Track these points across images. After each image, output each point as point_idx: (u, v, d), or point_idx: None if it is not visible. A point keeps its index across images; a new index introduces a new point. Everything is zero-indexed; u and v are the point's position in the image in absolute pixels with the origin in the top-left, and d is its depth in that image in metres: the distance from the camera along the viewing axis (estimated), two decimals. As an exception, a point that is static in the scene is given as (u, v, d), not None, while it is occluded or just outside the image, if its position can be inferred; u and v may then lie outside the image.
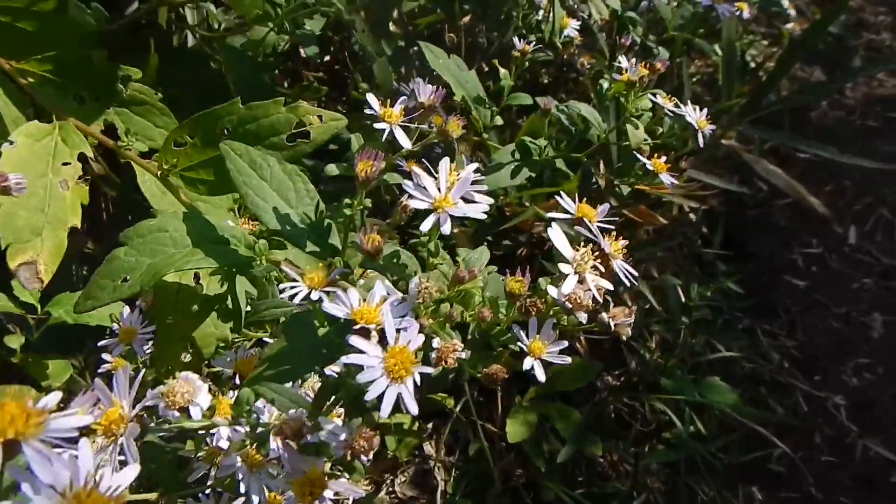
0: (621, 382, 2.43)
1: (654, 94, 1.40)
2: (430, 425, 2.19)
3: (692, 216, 2.65)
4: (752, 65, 3.28)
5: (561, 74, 2.52)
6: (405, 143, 0.91)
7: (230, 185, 1.16)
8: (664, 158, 1.38)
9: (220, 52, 1.73)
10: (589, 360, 2.27)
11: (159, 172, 1.16)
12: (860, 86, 3.52)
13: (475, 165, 0.87)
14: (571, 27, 2.06)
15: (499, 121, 1.49)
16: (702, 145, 1.39)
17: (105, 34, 1.54)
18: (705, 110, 1.39)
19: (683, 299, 2.50)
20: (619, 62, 1.44)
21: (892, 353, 2.76)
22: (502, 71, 1.47)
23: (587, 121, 1.38)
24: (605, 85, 1.42)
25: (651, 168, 1.35)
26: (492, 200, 0.85)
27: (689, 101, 1.38)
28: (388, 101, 0.94)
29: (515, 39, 1.49)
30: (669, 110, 1.39)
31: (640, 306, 2.39)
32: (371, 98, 0.94)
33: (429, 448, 2.16)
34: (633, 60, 1.38)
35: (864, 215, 3.10)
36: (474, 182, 0.85)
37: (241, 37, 1.75)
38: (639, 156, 1.35)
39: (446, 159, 0.87)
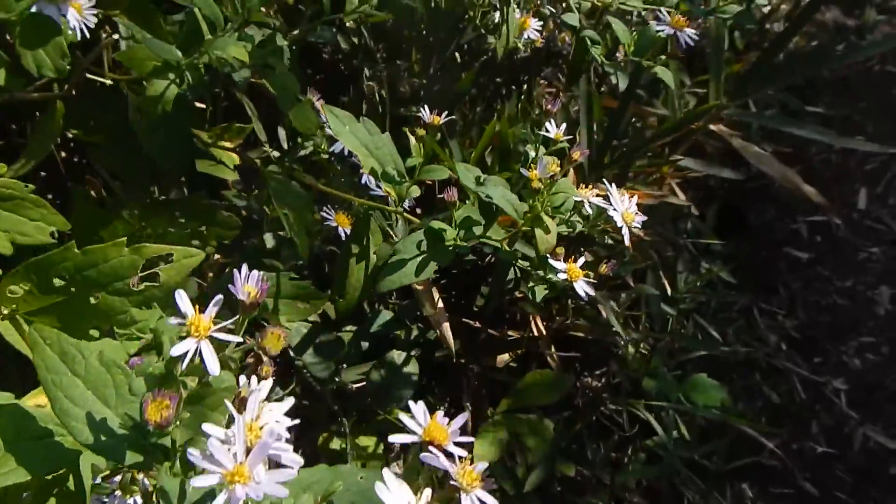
0: (602, 384, 2.26)
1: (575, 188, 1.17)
2: (396, 447, 2.06)
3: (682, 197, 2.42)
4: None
5: (540, 54, 2.27)
6: (213, 366, 0.72)
7: (79, 331, 1.00)
8: (578, 260, 1.15)
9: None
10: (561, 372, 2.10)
11: (0, 318, 1.00)
12: (882, 25, 3.17)
13: (284, 406, 0.69)
14: (533, 27, 1.80)
15: (415, 192, 1.28)
16: (627, 243, 1.17)
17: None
18: (634, 199, 1.16)
19: (670, 292, 2.30)
20: (547, 130, 1.22)
21: (899, 332, 2.54)
22: (413, 143, 1.26)
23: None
24: (532, 154, 1.20)
25: (565, 276, 1.14)
26: (301, 461, 0.67)
27: (612, 184, 1.15)
28: (199, 307, 0.74)
29: (424, 109, 1.27)
30: (591, 202, 1.16)
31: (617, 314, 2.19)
32: (180, 296, 0.75)
33: (396, 470, 2.04)
34: (542, 160, 1.15)
35: (877, 175, 2.82)
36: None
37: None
38: (552, 261, 1.14)
39: (253, 400, 0.68)
